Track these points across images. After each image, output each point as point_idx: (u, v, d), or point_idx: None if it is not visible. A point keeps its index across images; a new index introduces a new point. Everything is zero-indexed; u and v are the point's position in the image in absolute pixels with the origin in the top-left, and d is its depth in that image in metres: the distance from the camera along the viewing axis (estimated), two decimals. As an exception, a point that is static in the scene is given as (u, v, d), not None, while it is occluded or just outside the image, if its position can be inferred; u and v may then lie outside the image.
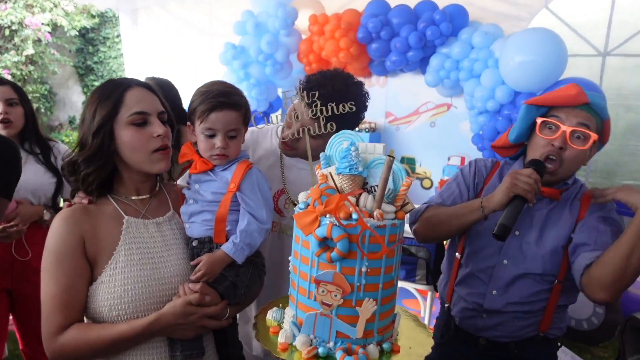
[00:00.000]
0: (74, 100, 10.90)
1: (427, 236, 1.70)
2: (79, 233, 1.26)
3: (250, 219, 1.33)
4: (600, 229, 1.48)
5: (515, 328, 1.58)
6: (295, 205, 1.31)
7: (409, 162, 4.16)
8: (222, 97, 1.35)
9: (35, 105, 9.95)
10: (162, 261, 1.33)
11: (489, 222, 1.52)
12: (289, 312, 1.19)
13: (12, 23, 8.38)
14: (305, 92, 1.48)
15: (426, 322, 3.21)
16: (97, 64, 10.79)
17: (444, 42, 3.54)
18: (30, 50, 8.70)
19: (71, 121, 10.88)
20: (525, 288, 1.55)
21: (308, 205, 1.13)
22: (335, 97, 1.51)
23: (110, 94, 1.28)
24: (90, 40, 10.72)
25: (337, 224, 1.05)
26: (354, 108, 1.42)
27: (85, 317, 1.29)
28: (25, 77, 9.20)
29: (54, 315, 1.23)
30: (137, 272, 1.28)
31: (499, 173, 1.66)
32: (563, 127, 1.45)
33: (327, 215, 1.07)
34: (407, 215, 1.21)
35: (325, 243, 1.06)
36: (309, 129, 1.45)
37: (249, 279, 1.36)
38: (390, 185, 1.14)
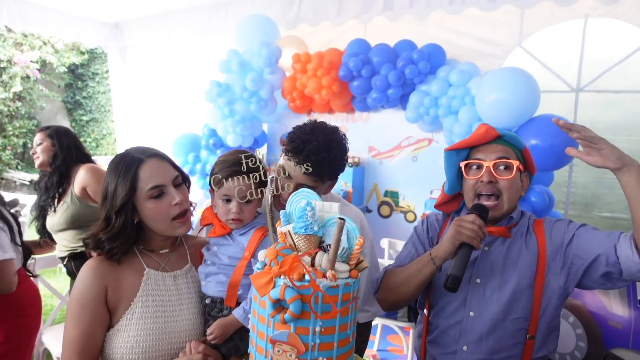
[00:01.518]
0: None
1: (390, 301, 1.64)
2: (103, 282, 1.36)
3: None
4: (590, 236, 1.45)
5: None
6: None
7: (392, 195, 4.20)
8: (236, 166, 1.44)
9: (22, 140, 10.03)
10: (174, 315, 1.41)
11: (444, 274, 1.47)
12: (248, 370, 1.21)
13: (1, 61, 8.53)
14: (293, 154, 1.63)
15: (409, 358, 3.20)
16: (86, 99, 10.94)
17: (423, 80, 3.64)
18: (18, 87, 8.85)
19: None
20: (496, 341, 1.50)
21: (265, 265, 1.17)
22: (322, 148, 1.62)
23: (127, 172, 1.37)
24: (80, 76, 10.90)
25: (291, 285, 1.08)
26: (346, 157, 1.62)
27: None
28: (13, 113, 9.29)
29: (73, 359, 1.31)
30: (150, 324, 1.36)
31: (450, 224, 1.68)
32: (485, 163, 1.51)
33: (282, 277, 1.10)
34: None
35: (279, 304, 1.09)
36: (302, 185, 1.55)
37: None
38: (344, 244, 1.17)
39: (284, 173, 1.67)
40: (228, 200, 1.46)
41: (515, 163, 1.51)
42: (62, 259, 2.96)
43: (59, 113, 10.93)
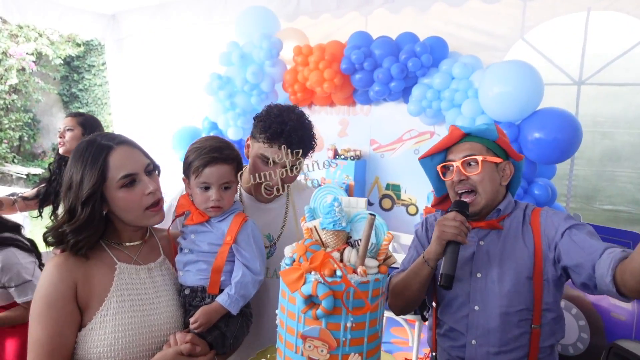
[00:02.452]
0: (58, 127, 10.88)
1: (399, 306, 1.66)
2: (71, 279, 1.26)
3: (245, 271, 1.37)
4: (578, 239, 1.45)
5: None
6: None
7: (394, 188, 4.21)
8: (214, 153, 1.41)
9: (18, 134, 9.92)
10: (152, 308, 1.34)
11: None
12: (277, 366, 1.21)
13: (-4, 53, 8.43)
14: (273, 139, 1.59)
15: (414, 351, 3.23)
16: (82, 92, 10.81)
17: (425, 72, 3.64)
18: (14, 80, 8.73)
19: (55, 148, 10.84)
20: (503, 333, 1.52)
21: (294, 261, 1.16)
22: (298, 127, 1.62)
23: (95, 160, 1.28)
24: (76, 68, 10.76)
25: (322, 281, 1.08)
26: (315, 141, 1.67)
27: None
28: (9, 106, 9.18)
29: None
30: (128, 319, 1.28)
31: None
32: (455, 163, 1.56)
33: (312, 272, 1.10)
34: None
35: (310, 300, 1.09)
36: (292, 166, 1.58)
37: (237, 329, 1.39)
38: (372, 239, 1.17)
39: (265, 161, 1.62)
40: (207, 188, 1.42)
41: (480, 158, 1.54)
42: None
43: (54, 106, 10.82)
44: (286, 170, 1.51)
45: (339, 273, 1.09)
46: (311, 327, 1.11)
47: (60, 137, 2.83)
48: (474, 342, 1.56)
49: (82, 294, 1.27)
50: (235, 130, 4.21)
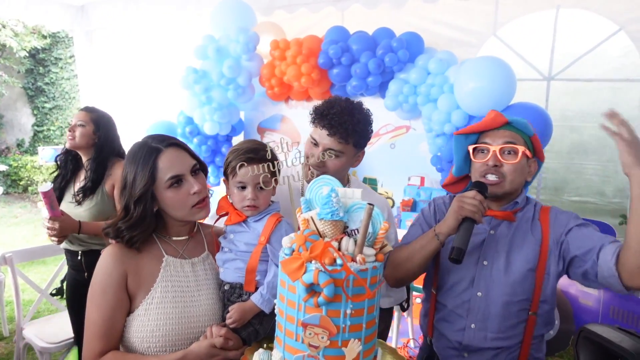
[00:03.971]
0: (22, 123, 10.50)
1: (397, 277, 1.70)
2: (123, 268, 1.39)
3: (277, 271, 1.41)
4: (586, 232, 1.53)
5: None
6: None
7: (371, 182, 4.26)
8: (250, 153, 1.47)
9: (-22, 129, 9.51)
10: (193, 300, 1.44)
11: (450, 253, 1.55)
12: (277, 354, 1.23)
13: (-44, 45, 8.05)
14: (318, 119, 1.74)
15: (393, 340, 3.30)
16: (49, 85, 10.45)
17: (402, 68, 3.68)
18: (-26, 73, 8.35)
19: (19, 144, 10.45)
20: (502, 320, 1.59)
21: (293, 251, 1.18)
22: (345, 112, 1.72)
23: (145, 162, 1.40)
24: (41, 61, 10.39)
25: (323, 269, 1.10)
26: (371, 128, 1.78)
27: (120, 345, 1.42)
28: (-31, 100, 8.80)
29: (94, 341, 1.36)
30: (170, 309, 1.40)
31: None
32: (492, 147, 1.59)
33: (313, 261, 1.13)
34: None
35: (311, 288, 1.11)
36: (332, 150, 1.68)
37: (271, 327, 1.43)
38: (369, 229, 1.20)
39: (313, 141, 1.74)
40: (243, 188, 1.48)
41: (521, 148, 1.58)
42: (72, 252, 2.79)
43: (19, 100, 10.42)
44: (326, 154, 1.61)
45: (339, 261, 1.12)
46: (312, 314, 1.13)
47: (70, 131, 2.71)
48: (473, 326, 1.62)
49: (131, 283, 1.40)
50: (211, 125, 4.17)
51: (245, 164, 1.45)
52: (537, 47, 3.78)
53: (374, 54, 3.70)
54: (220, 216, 1.58)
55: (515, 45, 3.79)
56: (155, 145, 1.43)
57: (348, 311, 1.13)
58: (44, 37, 9.65)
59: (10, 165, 9.85)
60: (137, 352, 1.38)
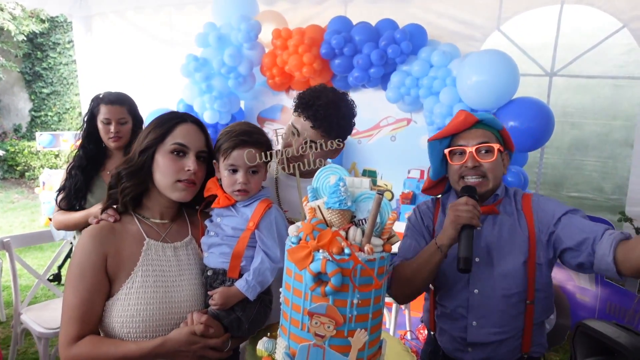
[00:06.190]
0: (20, 108, 10.40)
1: (406, 294, 1.67)
2: (103, 250, 1.35)
3: (264, 258, 1.39)
4: (577, 222, 1.52)
5: (501, 356, 1.63)
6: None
7: (371, 174, 4.26)
8: (244, 136, 1.43)
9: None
10: (174, 285, 1.41)
11: (448, 259, 1.55)
12: (281, 343, 1.22)
13: (-47, 27, 7.94)
14: (303, 109, 1.68)
15: (391, 333, 3.31)
16: (46, 70, 10.33)
17: (405, 60, 3.67)
18: (-28, 56, 8.24)
19: (16, 129, 10.35)
20: (501, 314, 1.60)
21: (300, 239, 1.18)
22: (331, 105, 1.67)
23: (165, 123, 1.43)
24: (39, 46, 10.26)
25: (331, 259, 1.10)
26: (354, 118, 1.70)
27: (99, 329, 1.37)
28: (-34, 84, 8.70)
29: (71, 325, 1.32)
30: (150, 293, 1.36)
31: (442, 208, 1.74)
32: (468, 149, 1.59)
33: (320, 250, 1.12)
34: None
35: (319, 277, 1.11)
36: (312, 142, 1.63)
37: (255, 315, 1.42)
38: (377, 219, 1.20)
39: (294, 130, 1.68)
40: (234, 171, 1.43)
41: (496, 146, 1.59)
42: None
43: (16, 84, 10.30)
44: (307, 146, 1.57)
45: (347, 251, 1.11)
46: (318, 304, 1.13)
47: (116, 133, 2.46)
48: (474, 323, 1.63)
49: (111, 265, 1.36)
50: (211, 113, 4.14)
51: (239, 147, 1.41)
52: (540, 42, 3.77)
53: (376, 45, 3.68)
54: (207, 199, 1.51)
55: (519, 40, 3.79)
56: (182, 115, 1.47)
57: (355, 301, 1.12)
58: (42, 21, 9.50)
59: (7, 151, 9.77)
60: (117, 337, 1.34)
